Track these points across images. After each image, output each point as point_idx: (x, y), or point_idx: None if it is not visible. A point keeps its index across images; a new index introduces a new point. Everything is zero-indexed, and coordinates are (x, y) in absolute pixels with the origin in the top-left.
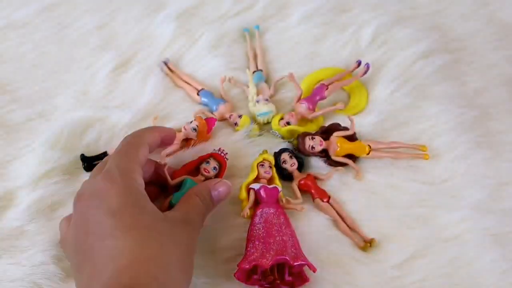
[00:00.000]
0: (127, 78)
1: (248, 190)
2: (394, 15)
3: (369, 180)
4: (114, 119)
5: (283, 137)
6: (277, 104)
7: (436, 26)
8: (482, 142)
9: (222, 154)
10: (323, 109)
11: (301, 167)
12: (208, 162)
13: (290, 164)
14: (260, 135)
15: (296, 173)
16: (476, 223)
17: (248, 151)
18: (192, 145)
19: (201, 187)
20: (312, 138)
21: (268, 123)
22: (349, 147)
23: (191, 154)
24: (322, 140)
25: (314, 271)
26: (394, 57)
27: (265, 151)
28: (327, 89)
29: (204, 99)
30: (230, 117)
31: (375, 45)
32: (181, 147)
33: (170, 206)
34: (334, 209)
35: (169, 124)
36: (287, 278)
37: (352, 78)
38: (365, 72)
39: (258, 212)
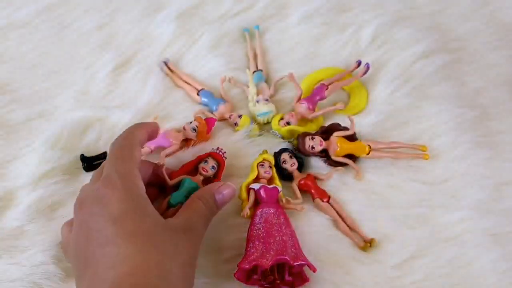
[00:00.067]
0: (127, 78)
1: (248, 190)
2: (394, 15)
3: (369, 180)
4: (114, 119)
5: (283, 137)
6: (277, 104)
7: (436, 26)
8: (482, 142)
9: (221, 153)
10: (323, 109)
11: (301, 167)
12: (206, 161)
13: (290, 164)
14: (260, 135)
15: (296, 173)
16: (476, 223)
17: (248, 151)
18: (192, 145)
19: (205, 190)
20: (312, 138)
21: (268, 123)
22: (349, 147)
23: (190, 154)
24: (322, 140)
25: (314, 271)
26: (394, 57)
27: (265, 151)
28: (327, 89)
29: (204, 99)
30: (230, 117)
31: (375, 45)
32: (181, 147)
33: (169, 206)
34: (334, 209)
35: (169, 124)
36: (287, 278)
37: (352, 78)
38: (365, 72)
39: (258, 212)
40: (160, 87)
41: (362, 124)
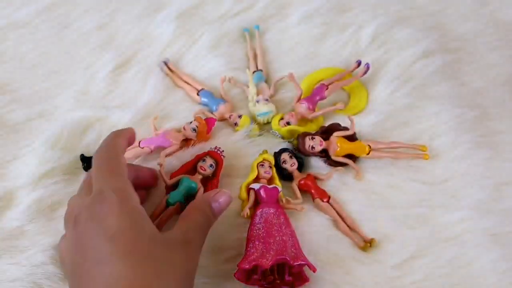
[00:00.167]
0: (127, 78)
1: (248, 190)
2: (394, 15)
3: (369, 180)
4: (114, 119)
5: (283, 137)
6: (277, 104)
7: (436, 26)
8: (482, 142)
9: (219, 152)
10: (323, 109)
11: (301, 167)
12: (204, 160)
13: (290, 164)
14: (260, 135)
15: (296, 173)
16: (476, 223)
17: (248, 151)
18: (192, 145)
19: (200, 200)
20: (312, 138)
21: (268, 123)
22: (349, 147)
23: (190, 154)
24: (322, 140)
25: (314, 271)
26: (394, 57)
27: (265, 151)
28: (327, 89)
29: (204, 99)
30: (230, 117)
31: (375, 45)
32: (181, 147)
33: (167, 205)
34: (334, 209)
35: (169, 124)
36: (287, 278)
37: (352, 78)
38: (365, 72)
39: (258, 212)
40: (160, 87)
41: (362, 124)
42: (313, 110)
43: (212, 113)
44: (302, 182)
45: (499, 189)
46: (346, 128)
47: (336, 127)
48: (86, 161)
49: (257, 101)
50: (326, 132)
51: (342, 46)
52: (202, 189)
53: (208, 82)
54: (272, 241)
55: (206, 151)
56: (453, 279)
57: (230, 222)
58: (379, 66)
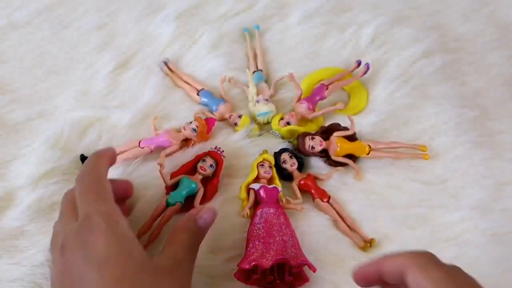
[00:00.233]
0: (127, 78)
1: (248, 190)
2: (394, 15)
3: (369, 180)
4: (114, 119)
5: (283, 137)
6: (277, 104)
7: (436, 26)
8: (482, 142)
9: (219, 152)
10: (323, 109)
11: (301, 167)
12: (204, 160)
13: (290, 164)
14: (260, 135)
15: (296, 173)
16: (476, 223)
17: (248, 151)
18: (192, 145)
19: (186, 219)
20: (312, 138)
21: (268, 123)
22: (349, 147)
23: (190, 154)
24: (322, 140)
25: (314, 271)
26: (394, 57)
27: (265, 151)
28: (327, 89)
29: (204, 99)
30: (230, 117)
31: (375, 45)
32: (181, 147)
33: (167, 206)
34: (334, 209)
35: (169, 124)
36: (287, 278)
37: (352, 78)
38: (365, 72)
39: (258, 212)
40: (160, 87)
41: (362, 124)
42: (313, 110)
43: (212, 113)
44: (302, 182)
45: (499, 189)
46: (346, 128)
47: (336, 127)
48: None
49: (257, 101)
50: (326, 132)
51: (342, 46)
52: (202, 189)
53: (208, 82)
54: (272, 241)
55: (206, 151)
56: None
57: (230, 222)
58: (379, 66)
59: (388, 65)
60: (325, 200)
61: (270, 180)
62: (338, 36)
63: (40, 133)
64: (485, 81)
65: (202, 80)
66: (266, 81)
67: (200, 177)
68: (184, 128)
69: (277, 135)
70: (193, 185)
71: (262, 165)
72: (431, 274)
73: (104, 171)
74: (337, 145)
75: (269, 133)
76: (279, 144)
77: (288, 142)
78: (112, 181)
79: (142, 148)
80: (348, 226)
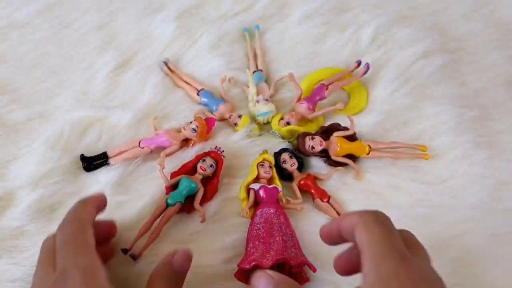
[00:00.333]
0: (127, 78)
1: (248, 190)
2: (394, 15)
3: (369, 180)
4: (114, 119)
5: (283, 137)
6: (277, 104)
7: (436, 26)
8: (482, 142)
9: (219, 152)
10: (323, 109)
11: (301, 167)
12: (204, 160)
13: (290, 164)
14: (260, 135)
15: (296, 173)
16: (476, 223)
17: (248, 151)
18: (192, 145)
19: (161, 265)
20: (312, 138)
21: (268, 123)
22: (349, 147)
23: (190, 154)
24: (322, 140)
25: (314, 271)
26: (394, 57)
27: (265, 151)
28: (327, 89)
29: (204, 99)
30: (230, 117)
31: (375, 45)
32: (181, 147)
33: (167, 206)
34: (334, 209)
35: (169, 124)
36: None
37: (352, 78)
38: (365, 72)
39: (258, 212)
40: (160, 87)
41: (362, 124)
42: (313, 110)
43: (212, 113)
44: (302, 182)
45: (499, 189)
46: (346, 128)
47: (336, 127)
48: (86, 161)
49: (257, 101)
50: (326, 132)
51: (342, 46)
52: (202, 189)
53: (208, 82)
54: (272, 241)
55: (206, 151)
56: (454, 279)
57: (230, 222)
58: (379, 66)
59: (388, 65)
60: (325, 200)
61: (270, 180)
62: (338, 36)
63: (40, 133)
64: (485, 81)
65: (202, 80)
66: (266, 81)
67: (200, 177)
68: (184, 128)
69: (277, 135)
70: (193, 185)
71: (262, 165)
72: (371, 232)
73: (89, 218)
74: (337, 145)
75: (269, 133)
76: (279, 144)
77: (288, 142)
78: (96, 223)
79: (142, 148)
80: None
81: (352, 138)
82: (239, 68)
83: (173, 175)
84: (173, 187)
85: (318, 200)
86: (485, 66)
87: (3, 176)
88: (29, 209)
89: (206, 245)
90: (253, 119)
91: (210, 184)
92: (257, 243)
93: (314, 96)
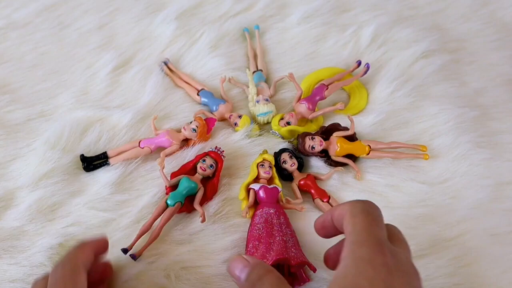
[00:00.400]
0: (127, 78)
1: (248, 190)
2: (394, 15)
3: (369, 180)
4: (114, 119)
5: (283, 137)
6: (277, 104)
7: (436, 26)
8: (482, 142)
9: (219, 152)
10: (323, 109)
11: (301, 167)
12: (204, 161)
13: (290, 164)
14: (260, 135)
15: (296, 173)
16: (476, 223)
17: (248, 151)
18: (192, 145)
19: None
20: (312, 138)
21: (268, 123)
22: (349, 147)
23: (190, 154)
24: (322, 140)
25: (314, 271)
26: (394, 57)
27: (265, 151)
28: (327, 89)
29: (204, 99)
30: (230, 117)
31: (375, 45)
32: (181, 147)
33: (167, 206)
34: None
35: (169, 124)
36: (287, 278)
37: (352, 78)
38: (365, 72)
39: (258, 212)
40: (160, 87)
41: (362, 124)
42: (313, 110)
43: (212, 113)
44: (302, 182)
45: (499, 189)
46: (346, 128)
47: (336, 127)
48: (86, 161)
49: (257, 101)
50: (326, 132)
51: (342, 46)
52: (202, 189)
53: (208, 82)
54: (272, 241)
55: (206, 151)
56: (454, 279)
57: (230, 222)
58: (379, 66)
59: (388, 65)
60: (325, 200)
61: (270, 180)
62: (338, 36)
63: (40, 133)
64: (485, 81)
65: (202, 80)
66: (266, 81)
67: (200, 177)
68: (184, 128)
69: (277, 135)
70: (193, 185)
71: (262, 165)
72: (356, 219)
73: (84, 262)
74: (337, 145)
75: (269, 133)
76: (279, 144)
77: (288, 142)
78: (92, 265)
79: (142, 148)
80: None
81: (352, 138)
82: (239, 68)
83: (173, 175)
84: (173, 187)
85: (318, 200)
86: (485, 66)
87: (3, 176)
88: (29, 209)
89: (206, 245)
90: (253, 119)
91: (210, 184)
92: (257, 243)
93: (314, 96)
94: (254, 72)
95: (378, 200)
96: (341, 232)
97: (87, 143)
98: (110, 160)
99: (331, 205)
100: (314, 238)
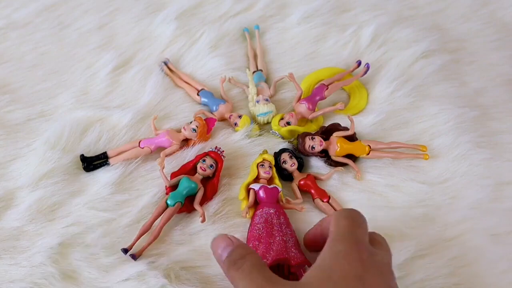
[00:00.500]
0: (127, 78)
1: (248, 190)
2: (394, 15)
3: (369, 180)
4: (114, 119)
5: (283, 137)
6: (277, 104)
7: (436, 26)
8: (482, 142)
9: (219, 152)
10: (323, 109)
11: (301, 167)
12: (204, 161)
13: (290, 164)
14: (260, 135)
15: (296, 173)
16: (476, 223)
17: (248, 151)
18: (192, 145)
19: None
20: (312, 138)
21: (268, 123)
22: (349, 147)
23: (190, 154)
24: (322, 140)
25: None
26: (394, 57)
27: (265, 151)
28: (327, 89)
29: (204, 99)
30: (230, 117)
31: (375, 45)
32: (181, 147)
33: (167, 206)
34: (334, 209)
35: (169, 124)
36: (288, 277)
37: (352, 78)
38: (365, 72)
39: (258, 212)
40: (160, 87)
41: (362, 124)
42: (313, 110)
43: (212, 113)
44: (302, 182)
45: (499, 189)
46: (346, 128)
47: (336, 127)
48: (86, 161)
49: (257, 101)
50: (326, 132)
51: (342, 46)
52: (202, 189)
53: (208, 82)
54: (272, 241)
55: (206, 151)
56: (454, 279)
57: (230, 222)
58: (379, 66)
59: (388, 65)
60: (325, 200)
61: (270, 180)
62: (338, 36)
63: (40, 133)
64: (485, 81)
65: (202, 80)
66: (266, 81)
67: (200, 177)
68: (184, 128)
69: (277, 135)
70: (193, 185)
71: (262, 165)
72: (339, 223)
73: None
74: (337, 145)
75: (269, 133)
76: (279, 144)
77: (288, 142)
78: None
79: (142, 148)
80: None
81: (352, 138)
82: (239, 68)
83: (173, 175)
84: (173, 187)
85: (318, 200)
86: (485, 66)
87: (3, 176)
88: (29, 209)
89: (206, 245)
90: (253, 119)
91: (210, 184)
92: (257, 243)
93: (314, 96)
94: (254, 72)
95: (378, 200)
96: None
97: (87, 143)
98: (110, 160)
99: (331, 205)
100: None
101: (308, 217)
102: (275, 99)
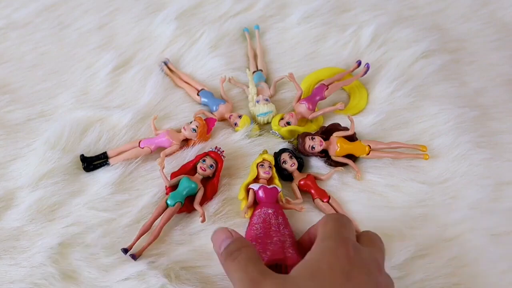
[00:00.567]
0: (127, 78)
1: (248, 190)
2: (394, 15)
3: (369, 180)
4: (114, 119)
5: (283, 137)
6: (277, 104)
7: (436, 26)
8: (482, 142)
9: (219, 152)
10: (323, 109)
11: (301, 167)
12: (204, 161)
13: (290, 164)
14: (260, 135)
15: (296, 173)
16: (476, 223)
17: (248, 151)
18: (192, 145)
19: None
20: (312, 138)
21: (268, 123)
22: (349, 147)
23: (190, 154)
24: (322, 140)
25: None
26: (394, 57)
27: (265, 151)
28: (327, 89)
29: (204, 99)
30: (230, 117)
31: (375, 45)
32: (181, 147)
33: (167, 206)
34: (334, 209)
35: (169, 124)
36: None
37: (352, 78)
38: (365, 72)
39: (257, 212)
40: (160, 87)
41: (362, 124)
42: (313, 110)
43: (212, 113)
44: (302, 182)
45: (499, 189)
46: (346, 128)
47: (336, 127)
48: (86, 161)
49: (257, 101)
50: (326, 132)
51: (342, 46)
52: (202, 189)
53: (208, 82)
54: (269, 241)
55: (206, 151)
56: (454, 279)
57: (230, 222)
58: (379, 66)
59: (388, 65)
60: (325, 200)
61: (270, 180)
62: (338, 36)
63: (40, 133)
64: (485, 81)
65: (202, 80)
66: (266, 81)
67: (200, 177)
68: (184, 128)
69: (277, 135)
70: (193, 185)
71: (262, 165)
72: (326, 225)
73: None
74: (337, 145)
75: (269, 133)
76: (279, 144)
77: (288, 142)
78: None
79: (142, 148)
80: None
81: (352, 138)
82: (239, 68)
83: (173, 175)
84: (173, 187)
85: (318, 200)
86: (485, 66)
87: (3, 176)
88: (29, 209)
89: (206, 245)
90: (253, 119)
91: (210, 184)
92: (254, 243)
93: (314, 96)
94: (254, 72)
95: (378, 200)
96: None
97: (87, 143)
98: (110, 160)
99: (331, 205)
100: None
101: (308, 217)
102: (275, 99)
